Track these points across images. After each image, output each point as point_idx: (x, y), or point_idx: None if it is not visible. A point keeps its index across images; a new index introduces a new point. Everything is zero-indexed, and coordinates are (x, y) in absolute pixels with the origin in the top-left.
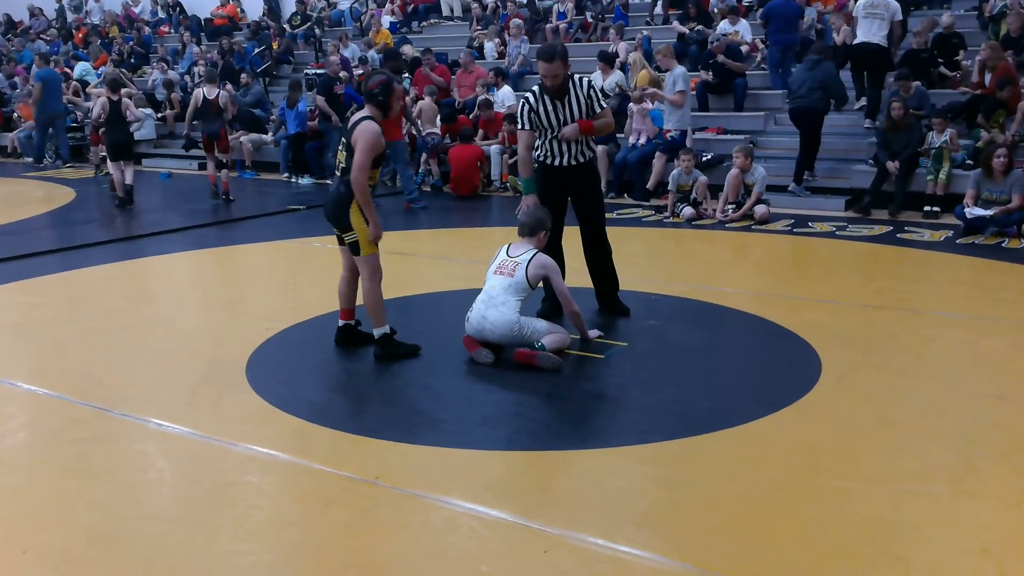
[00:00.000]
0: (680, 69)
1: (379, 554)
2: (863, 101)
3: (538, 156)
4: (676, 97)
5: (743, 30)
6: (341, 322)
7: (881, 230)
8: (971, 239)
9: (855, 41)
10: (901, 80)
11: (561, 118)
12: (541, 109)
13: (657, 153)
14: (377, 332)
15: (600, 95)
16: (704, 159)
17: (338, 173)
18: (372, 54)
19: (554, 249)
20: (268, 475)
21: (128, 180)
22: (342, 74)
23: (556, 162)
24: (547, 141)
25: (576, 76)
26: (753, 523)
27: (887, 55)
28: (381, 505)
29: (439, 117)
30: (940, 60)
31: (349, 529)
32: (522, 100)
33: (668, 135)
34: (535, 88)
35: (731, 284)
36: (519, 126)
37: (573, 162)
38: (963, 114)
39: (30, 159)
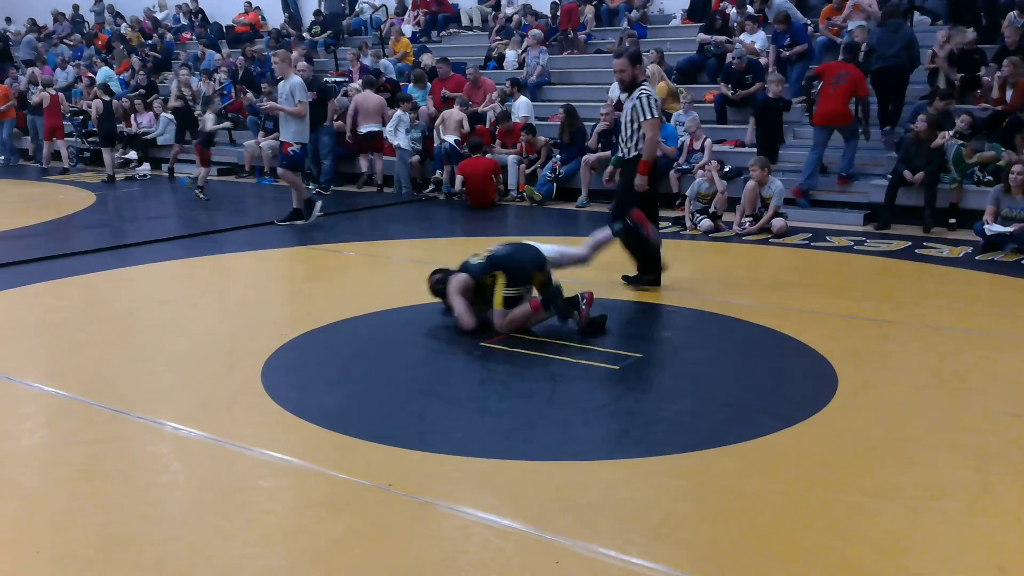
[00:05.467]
0: (297, 79)
1: (390, 561)
2: None
3: None
4: (297, 108)
5: (759, 41)
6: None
7: (899, 245)
8: (990, 256)
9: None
10: (945, 99)
11: (625, 114)
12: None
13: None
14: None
15: (653, 106)
16: (724, 171)
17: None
18: (387, 63)
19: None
20: (281, 480)
21: (110, 160)
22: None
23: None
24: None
25: (645, 85)
26: (766, 537)
27: (907, 73)
28: (393, 512)
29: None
30: (961, 75)
31: (361, 536)
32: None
33: (289, 149)
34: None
35: (747, 297)
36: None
37: (620, 154)
38: (984, 130)
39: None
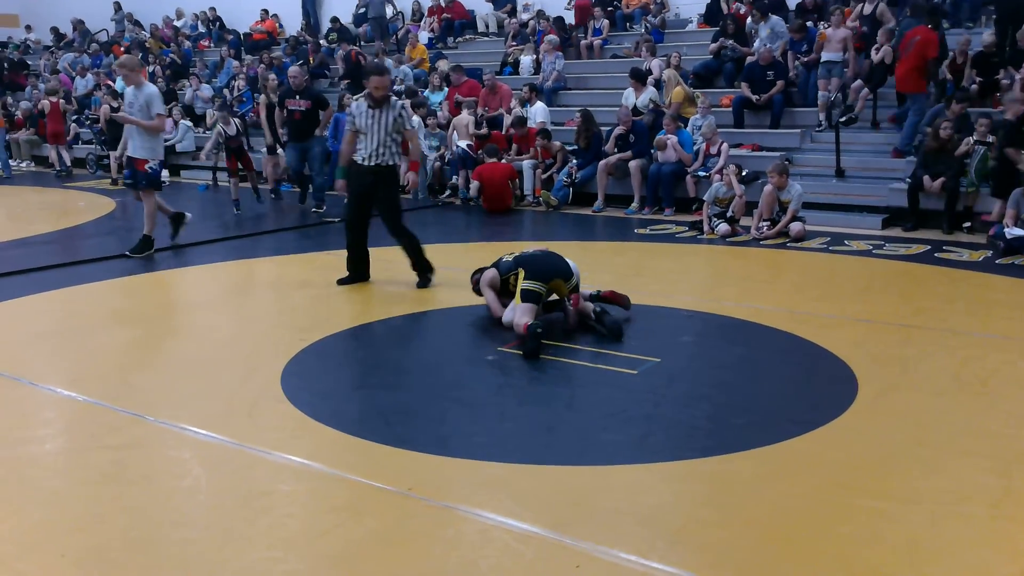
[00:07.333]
0: (152, 88)
1: (411, 565)
2: None
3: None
4: (155, 122)
5: (765, 31)
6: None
7: (919, 249)
8: (1011, 259)
9: None
10: (962, 102)
11: (378, 125)
12: (364, 116)
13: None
14: None
15: (410, 116)
16: (743, 175)
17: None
18: (406, 69)
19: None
20: (301, 484)
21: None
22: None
23: (363, 161)
24: (365, 143)
25: (394, 97)
26: (787, 542)
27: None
28: (414, 516)
29: (473, 131)
30: (979, 78)
31: (381, 540)
32: (353, 106)
33: (146, 167)
34: (362, 99)
35: (766, 302)
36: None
37: (373, 163)
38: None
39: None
